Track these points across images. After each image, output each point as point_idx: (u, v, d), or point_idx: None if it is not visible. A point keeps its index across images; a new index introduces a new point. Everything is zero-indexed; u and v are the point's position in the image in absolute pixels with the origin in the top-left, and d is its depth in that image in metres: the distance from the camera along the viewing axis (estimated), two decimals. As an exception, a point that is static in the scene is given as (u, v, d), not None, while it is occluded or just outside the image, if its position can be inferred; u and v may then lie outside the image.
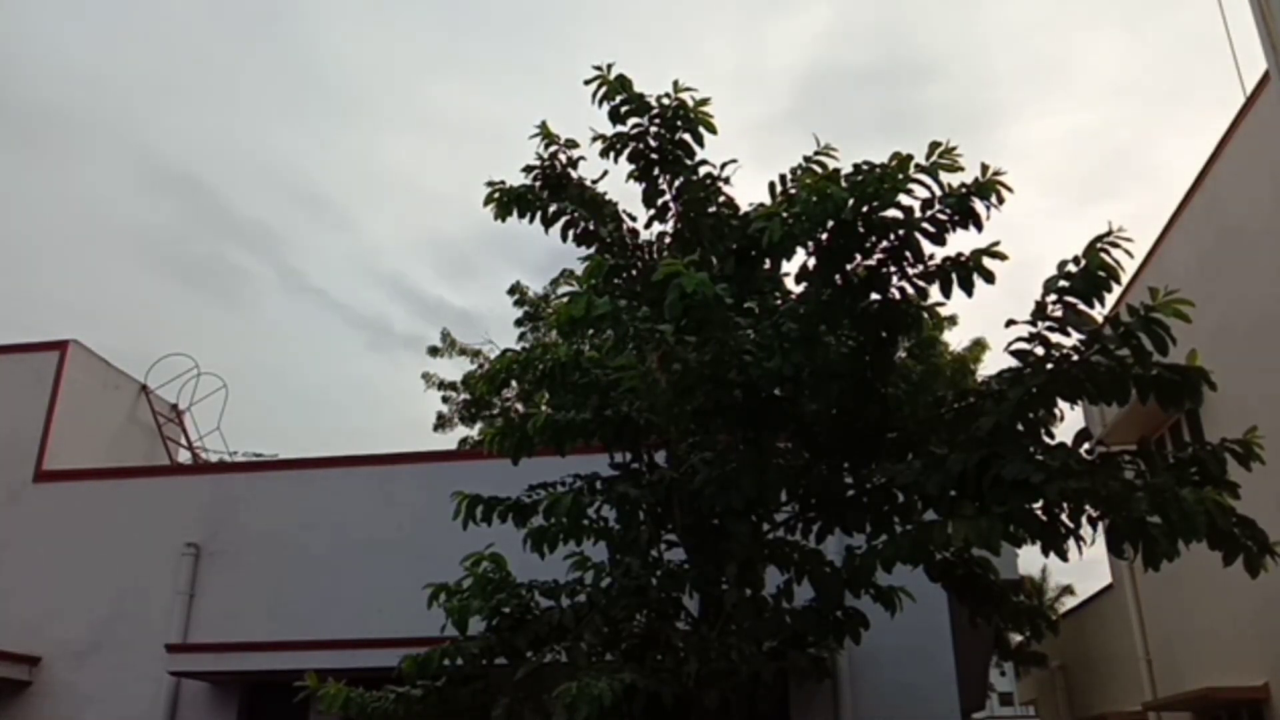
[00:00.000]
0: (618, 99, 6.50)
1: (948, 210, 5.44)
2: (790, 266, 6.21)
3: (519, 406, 18.10)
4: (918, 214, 5.47)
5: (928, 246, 5.51)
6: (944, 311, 7.34)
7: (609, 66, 6.51)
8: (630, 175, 6.68)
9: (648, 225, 6.84)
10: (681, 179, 6.58)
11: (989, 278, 5.43)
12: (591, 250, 6.80)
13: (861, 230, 5.48)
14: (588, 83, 6.50)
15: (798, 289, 5.99)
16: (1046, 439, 5.30)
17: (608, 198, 6.88)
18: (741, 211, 6.48)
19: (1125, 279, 5.42)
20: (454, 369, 22.20)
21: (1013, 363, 5.29)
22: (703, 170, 6.60)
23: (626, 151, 6.62)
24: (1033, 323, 5.07)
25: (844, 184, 5.42)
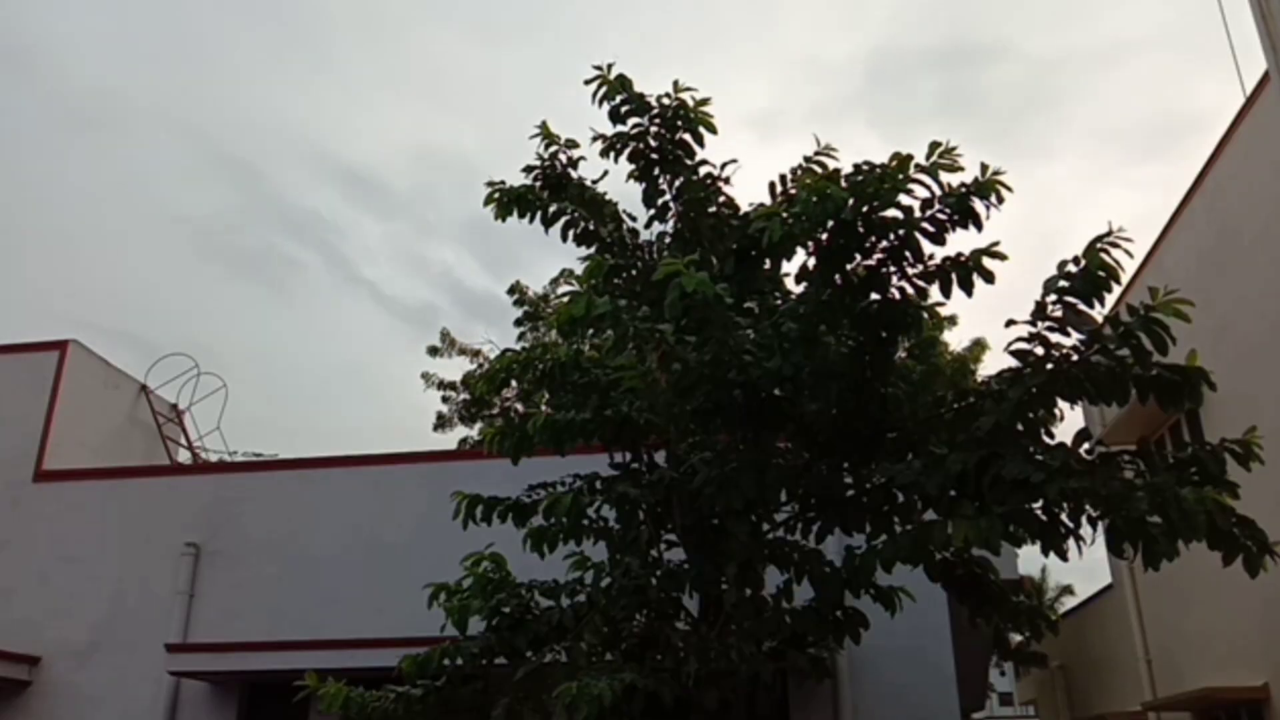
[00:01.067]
0: (618, 99, 6.50)
1: (947, 210, 5.44)
2: (790, 266, 6.22)
3: (519, 406, 18.10)
4: (918, 214, 5.47)
5: (928, 246, 5.51)
6: (946, 311, 7.33)
7: (609, 66, 6.52)
8: (630, 175, 6.69)
9: (648, 225, 6.84)
10: (681, 179, 6.58)
11: (989, 278, 5.43)
12: (591, 250, 6.80)
13: (861, 230, 5.48)
14: (588, 82, 6.51)
15: (798, 289, 5.98)
16: (1046, 439, 5.30)
17: (608, 198, 6.88)
18: (741, 211, 6.48)
19: (1125, 279, 5.42)
20: (454, 369, 22.21)
21: (1013, 363, 5.29)
22: (703, 170, 6.61)
23: (627, 151, 6.62)
24: (1033, 323, 5.07)
25: (844, 184, 5.41)
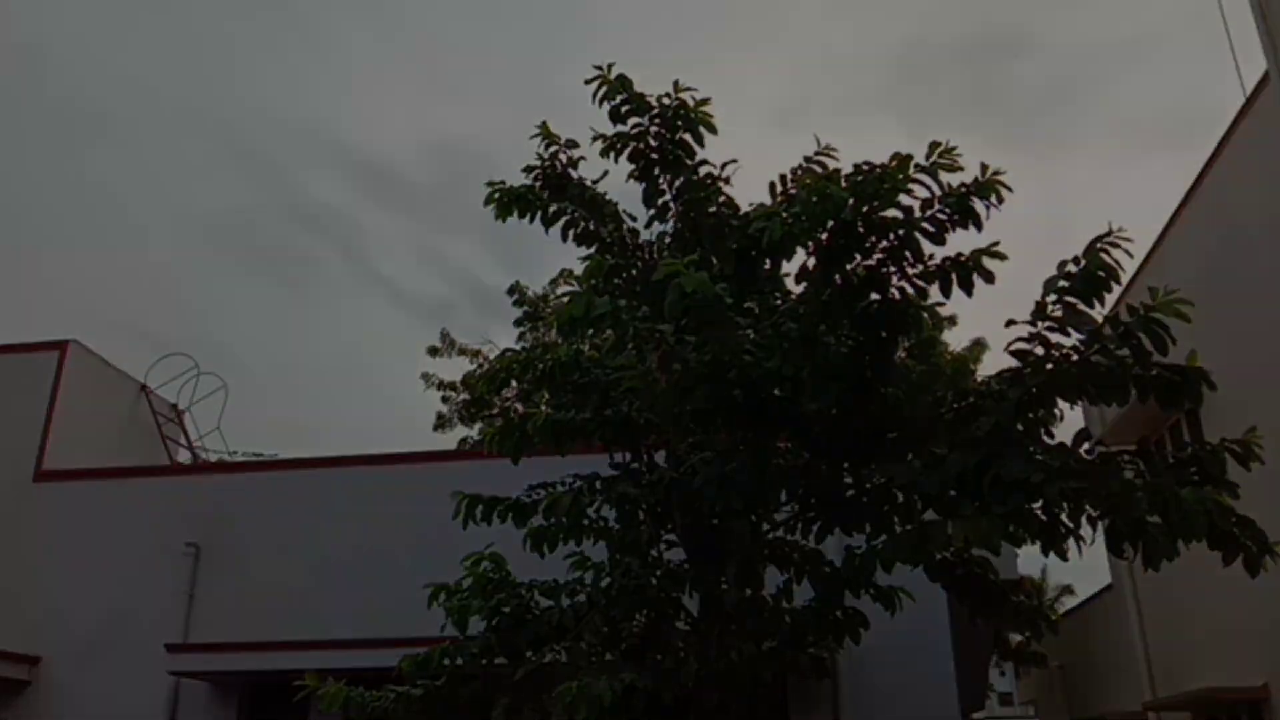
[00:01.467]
0: (618, 99, 6.50)
1: (947, 210, 5.45)
2: (790, 266, 6.21)
3: (519, 406, 18.11)
4: (918, 214, 5.47)
5: (928, 246, 5.52)
6: (946, 311, 7.31)
7: (609, 66, 6.51)
8: (630, 175, 6.68)
9: (648, 225, 6.84)
10: (682, 179, 6.57)
11: (989, 278, 5.44)
12: (591, 250, 6.80)
13: (861, 230, 5.48)
14: (588, 82, 6.50)
15: (798, 289, 5.99)
16: (1046, 439, 5.30)
17: (608, 198, 6.88)
18: (742, 211, 6.48)
19: (1125, 279, 5.42)
20: (454, 369, 22.21)
21: (1013, 363, 5.29)
22: (703, 170, 6.60)
23: (627, 151, 6.62)
24: (1033, 323, 5.07)
25: (844, 184, 5.42)
